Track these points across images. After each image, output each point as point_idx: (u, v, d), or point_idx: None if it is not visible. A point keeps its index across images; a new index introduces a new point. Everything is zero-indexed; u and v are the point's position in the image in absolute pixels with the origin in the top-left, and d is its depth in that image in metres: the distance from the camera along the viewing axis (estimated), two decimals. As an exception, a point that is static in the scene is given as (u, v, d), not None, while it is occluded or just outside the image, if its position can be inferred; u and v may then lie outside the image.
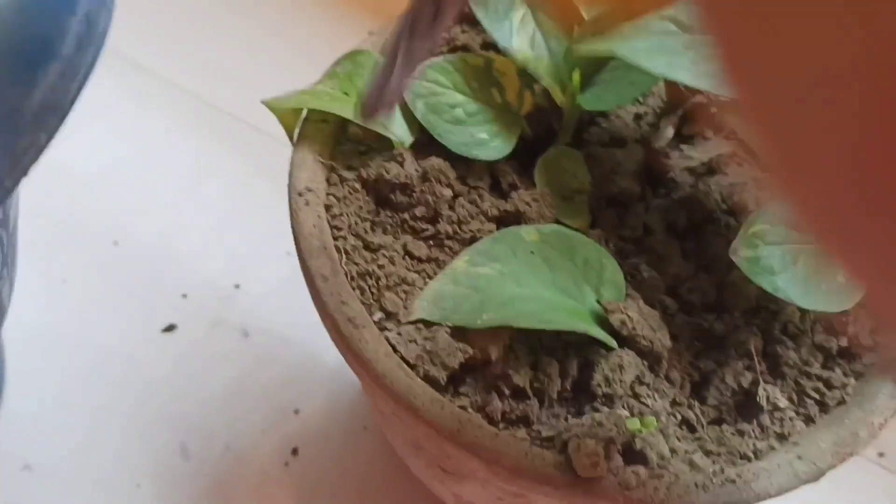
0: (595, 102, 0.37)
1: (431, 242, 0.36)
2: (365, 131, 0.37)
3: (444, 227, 0.36)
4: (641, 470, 0.30)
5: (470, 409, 0.32)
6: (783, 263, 0.32)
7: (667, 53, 0.33)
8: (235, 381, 0.51)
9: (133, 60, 0.61)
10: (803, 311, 0.34)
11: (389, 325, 0.34)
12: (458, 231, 0.36)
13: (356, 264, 0.35)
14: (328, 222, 0.35)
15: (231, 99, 0.61)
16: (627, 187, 0.37)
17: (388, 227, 0.36)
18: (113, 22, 0.31)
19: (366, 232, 0.36)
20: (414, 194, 0.36)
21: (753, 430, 0.33)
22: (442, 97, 0.37)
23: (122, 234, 0.55)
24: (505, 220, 0.36)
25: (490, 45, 0.39)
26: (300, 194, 0.35)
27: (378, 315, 0.34)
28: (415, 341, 0.33)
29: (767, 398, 0.33)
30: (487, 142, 0.37)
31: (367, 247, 0.35)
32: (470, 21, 0.40)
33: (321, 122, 0.37)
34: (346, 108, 0.37)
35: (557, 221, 0.36)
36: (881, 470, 0.50)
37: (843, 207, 0.15)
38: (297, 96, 0.37)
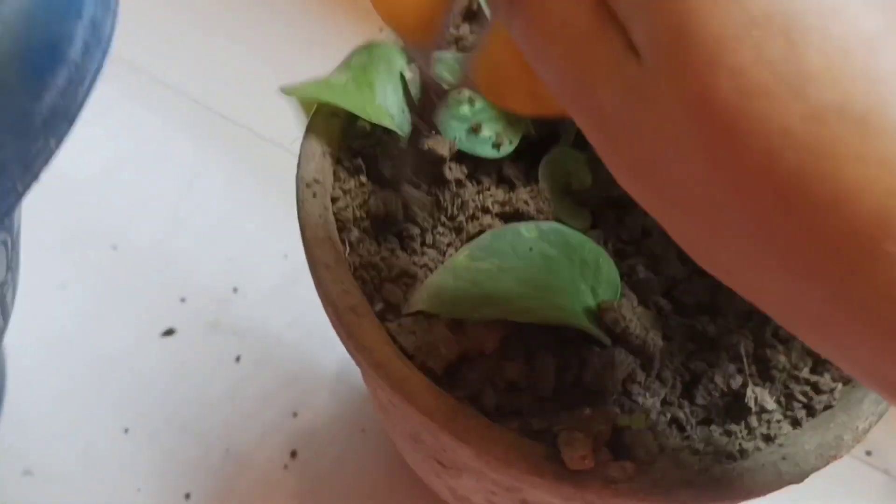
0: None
1: (434, 237, 0.37)
2: (373, 126, 0.38)
3: (446, 222, 0.37)
4: (629, 465, 0.31)
5: (465, 401, 0.33)
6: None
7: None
8: (234, 385, 0.51)
9: (129, 63, 0.61)
10: (795, 317, 0.35)
11: (390, 315, 0.34)
12: (462, 226, 0.37)
13: (360, 255, 0.35)
14: (334, 214, 0.36)
15: (229, 103, 0.61)
16: (628, 190, 0.38)
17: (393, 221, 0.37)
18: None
19: (370, 225, 0.37)
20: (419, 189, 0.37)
21: (741, 431, 0.33)
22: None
23: (120, 238, 0.55)
24: (507, 218, 0.37)
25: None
26: (308, 185, 0.36)
27: (379, 305, 0.34)
28: (414, 333, 0.34)
29: (756, 400, 0.33)
30: (492, 140, 0.38)
31: (371, 239, 0.36)
32: (477, 20, 0.41)
33: (331, 116, 0.38)
34: (358, 103, 0.37)
35: (558, 220, 0.37)
36: (868, 468, 0.50)
37: None
38: (311, 86, 0.38)
